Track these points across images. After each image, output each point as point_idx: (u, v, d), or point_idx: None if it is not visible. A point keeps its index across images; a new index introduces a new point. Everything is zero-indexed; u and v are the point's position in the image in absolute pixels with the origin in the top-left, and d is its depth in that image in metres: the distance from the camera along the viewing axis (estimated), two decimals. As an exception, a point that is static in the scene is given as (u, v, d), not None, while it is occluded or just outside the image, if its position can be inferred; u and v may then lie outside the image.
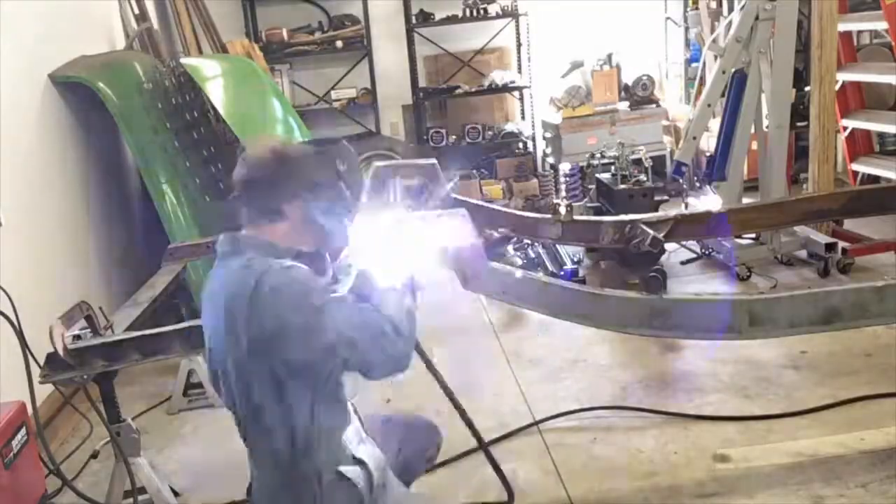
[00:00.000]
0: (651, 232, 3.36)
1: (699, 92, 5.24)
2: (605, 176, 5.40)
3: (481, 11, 6.97)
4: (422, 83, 7.27)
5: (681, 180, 5.07)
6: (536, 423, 3.22)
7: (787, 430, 3.01)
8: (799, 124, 5.52)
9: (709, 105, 4.90)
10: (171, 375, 3.66)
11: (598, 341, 3.86)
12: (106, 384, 2.58)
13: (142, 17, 5.01)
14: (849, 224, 4.86)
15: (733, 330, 2.50)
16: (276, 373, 1.80)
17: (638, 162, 5.39)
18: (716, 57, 4.94)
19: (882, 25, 5.16)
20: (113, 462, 2.61)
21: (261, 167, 1.91)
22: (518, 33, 7.29)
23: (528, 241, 5.09)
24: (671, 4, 7.42)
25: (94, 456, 2.91)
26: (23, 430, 2.68)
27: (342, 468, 1.92)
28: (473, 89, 7.13)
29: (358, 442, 1.99)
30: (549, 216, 3.75)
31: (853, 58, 5.59)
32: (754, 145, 5.03)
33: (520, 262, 4.98)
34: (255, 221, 1.93)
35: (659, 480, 2.78)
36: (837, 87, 5.18)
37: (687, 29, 7.33)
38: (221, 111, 4.61)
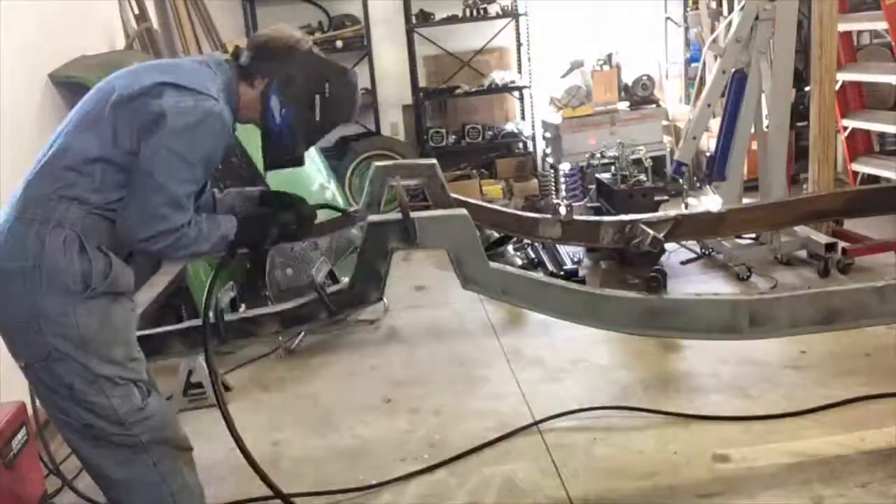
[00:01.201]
0: (651, 232, 3.36)
1: (699, 92, 5.24)
2: (605, 176, 5.40)
3: (481, 11, 6.98)
4: (422, 83, 7.27)
5: (681, 180, 5.07)
6: (536, 423, 3.22)
7: (787, 430, 3.01)
8: (799, 124, 5.52)
9: (709, 105, 4.90)
10: (171, 375, 3.66)
11: (598, 341, 3.86)
12: (106, 384, 2.57)
13: (142, 17, 5.00)
14: (849, 224, 4.86)
15: (733, 330, 2.51)
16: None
17: (638, 162, 5.39)
18: (716, 57, 4.94)
19: (882, 25, 5.16)
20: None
21: (279, 35, 2.18)
22: (518, 33, 7.29)
23: (528, 241, 5.09)
24: (671, 4, 7.42)
25: (94, 456, 2.90)
26: (23, 430, 2.68)
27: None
28: (473, 89, 7.13)
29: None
30: (549, 216, 3.76)
31: (853, 58, 5.59)
32: (754, 145, 5.03)
33: (520, 262, 4.98)
34: (241, 72, 2.15)
35: (659, 480, 2.77)
36: (837, 87, 5.18)
37: (687, 29, 7.34)
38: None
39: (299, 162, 2.28)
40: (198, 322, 2.56)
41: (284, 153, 2.23)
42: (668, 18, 7.45)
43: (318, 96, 2.16)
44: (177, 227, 1.98)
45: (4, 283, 1.98)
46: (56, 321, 1.96)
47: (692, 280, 4.77)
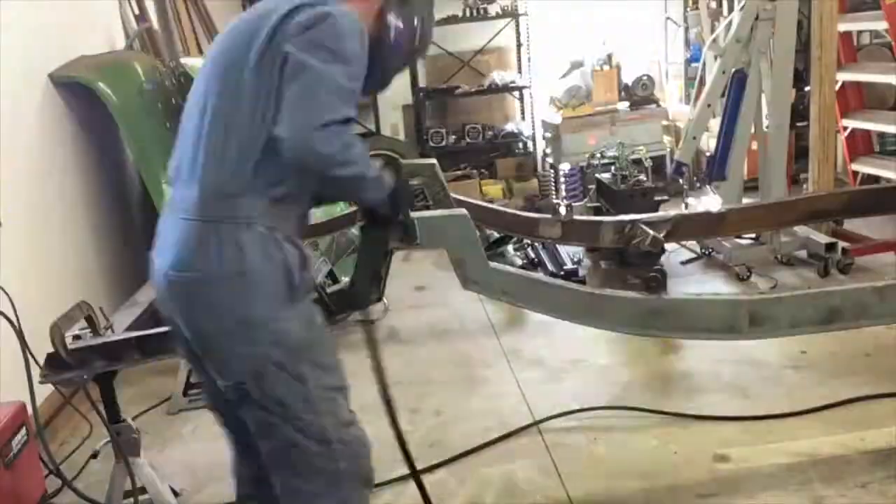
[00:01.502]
0: (651, 232, 3.36)
1: (699, 92, 5.24)
2: (605, 176, 5.40)
3: (481, 11, 6.98)
4: (422, 83, 7.27)
5: (681, 180, 5.07)
6: (536, 423, 3.22)
7: (787, 430, 3.01)
8: (799, 124, 5.52)
9: (709, 105, 4.90)
10: (171, 375, 3.66)
11: (598, 341, 3.86)
12: (106, 384, 2.57)
13: (142, 17, 5.00)
14: (849, 224, 4.86)
15: (733, 330, 2.50)
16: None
17: (638, 162, 5.39)
18: (716, 57, 4.94)
19: (882, 25, 5.16)
20: (113, 462, 2.60)
21: None
22: (518, 33, 7.30)
23: (528, 241, 5.09)
24: (671, 4, 7.43)
25: (94, 456, 2.90)
26: (23, 430, 2.68)
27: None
28: (473, 89, 7.13)
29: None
30: (549, 216, 3.75)
31: (853, 58, 5.60)
32: (754, 145, 5.03)
33: (520, 262, 4.98)
34: None
35: (659, 480, 2.77)
36: (837, 87, 5.18)
37: (687, 29, 7.34)
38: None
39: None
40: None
41: (388, 75, 2.04)
42: (668, 18, 7.45)
43: (419, 19, 1.99)
44: (346, 119, 1.69)
45: (209, 294, 1.79)
46: (267, 328, 1.80)
47: (692, 280, 4.77)
